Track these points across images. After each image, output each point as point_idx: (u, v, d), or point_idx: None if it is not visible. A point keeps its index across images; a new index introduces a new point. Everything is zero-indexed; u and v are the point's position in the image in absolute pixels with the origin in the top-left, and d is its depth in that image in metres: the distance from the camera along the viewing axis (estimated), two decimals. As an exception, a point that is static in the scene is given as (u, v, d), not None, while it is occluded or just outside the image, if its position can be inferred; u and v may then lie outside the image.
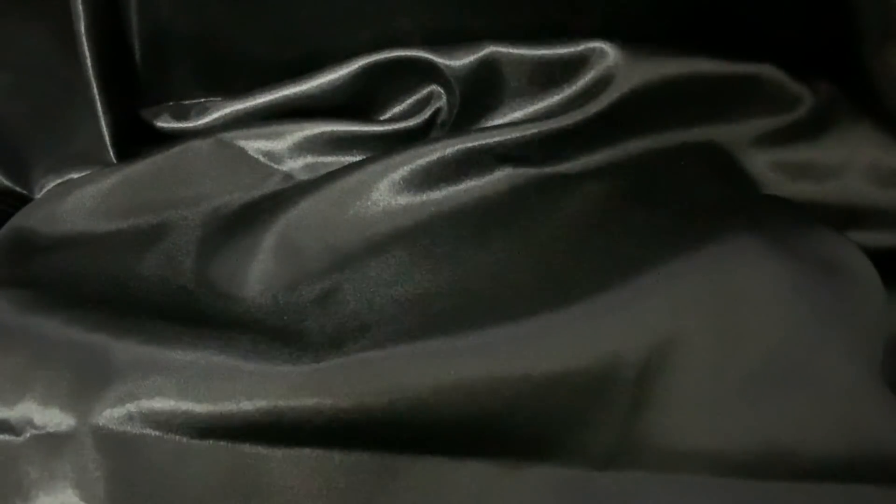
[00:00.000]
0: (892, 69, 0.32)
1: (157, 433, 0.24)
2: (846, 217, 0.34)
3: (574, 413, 0.24)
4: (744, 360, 0.26)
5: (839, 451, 0.25)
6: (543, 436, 0.24)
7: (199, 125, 0.36)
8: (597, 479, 0.25)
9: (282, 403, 0.24)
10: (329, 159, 0.35)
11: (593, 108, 0.35)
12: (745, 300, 0.26)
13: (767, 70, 0.35)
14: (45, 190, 0.35)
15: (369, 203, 0.33)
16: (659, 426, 0.24)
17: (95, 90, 0.34)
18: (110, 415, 0.24)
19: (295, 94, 0.35)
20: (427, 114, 0.36)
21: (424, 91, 0.36)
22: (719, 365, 0.25)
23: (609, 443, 0.24)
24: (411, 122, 0.36)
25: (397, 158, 0.33)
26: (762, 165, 0.35)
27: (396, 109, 0.37)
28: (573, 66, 0.35)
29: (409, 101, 0.37)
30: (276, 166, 0.34)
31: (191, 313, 0.28)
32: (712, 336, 0.26)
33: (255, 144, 0.34)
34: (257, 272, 0.30)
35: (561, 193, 0.33)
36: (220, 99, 0.37)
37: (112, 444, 0.24)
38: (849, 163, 0.35)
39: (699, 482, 0.25)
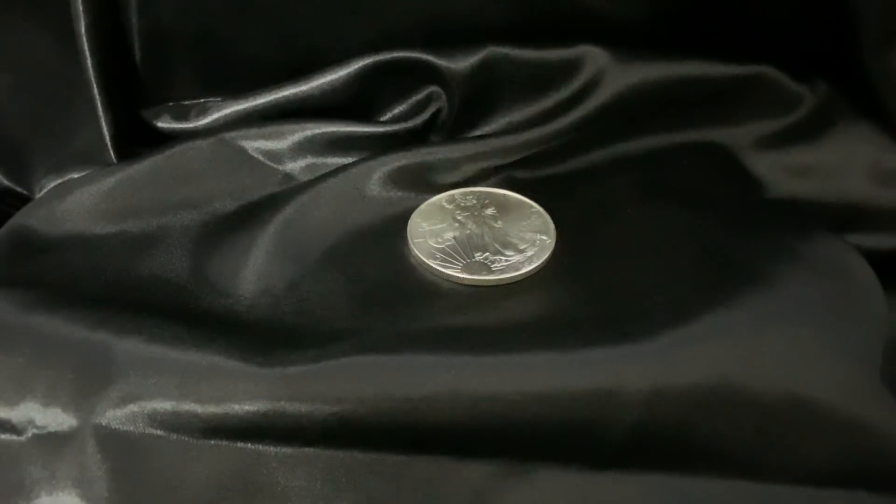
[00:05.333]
0: (893, 69, 0.32)
1: (160, 433, 0.24)
2: (846, 217, 0.34)
3: (578, 413, 0.24)
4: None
5: (840, 455, 0.25)
6: (545, 436, 0.24)
7: (199, 125, 0.36)
8: (599, 479, 0.25)
9: (283, 403, 0.24)
10: (329, 160, 0.35)
11: (581, 111, 0.35)
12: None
13: (767, 70, 0.35)
14: (45, 190, 0.35)
15: (369, 203, 0.33)
16: (663, 426, 0.24)
17: (95, 90, 0.33)
18: (112, 415, 0.24)
19: (295, 94, 0.35)
20: (427, 115, 0.36)
21: (424, 92, 0.36)
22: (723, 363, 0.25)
23: (613, 444, 0.24)
24: (411, 123, 0.36)
25: (395, 158, 0.33)
26: (762, 166, 0.35)
27: (396, 110, 0.37)
28: (569, 69, 0.35)
29: (409, 101, 0.37)
30: (276, 166, 0.34)
31: (191, 313, 0.28)
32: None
33: (255, 144, 0.34)
34: (257, 272, 0.30)
35: (557, 195, 0.33)
36: (220, 99, 0.37)
37: (114, 443, 0.24)
38: (849, 163, 0.35)
39: (700, 483, 0.25)
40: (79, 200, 0.32)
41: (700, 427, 0.25)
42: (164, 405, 0.24)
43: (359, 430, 0.24)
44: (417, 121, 0.36)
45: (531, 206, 0.32)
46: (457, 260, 0.30)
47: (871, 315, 0.27)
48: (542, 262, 0.29)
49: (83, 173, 0.34)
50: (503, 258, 0.30)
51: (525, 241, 0.30)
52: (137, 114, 0.36)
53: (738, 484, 0.25)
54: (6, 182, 0.36)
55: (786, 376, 0.25)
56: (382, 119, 0.37)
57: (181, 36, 0.35)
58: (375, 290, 0.29)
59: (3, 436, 0.24)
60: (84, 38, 0.33)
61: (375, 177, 0.33)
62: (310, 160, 0.35)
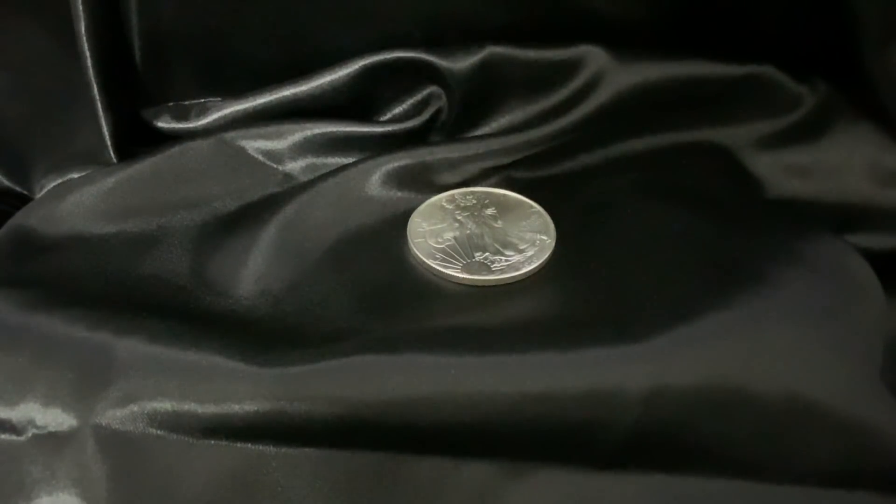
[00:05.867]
0: (893, 69, 0.32)
1: (160, 433, 0.24)
2: (846, 217, 0.34)
3: (578, 413, 0.24)
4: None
5: (840, 455, 0.25)
6: (545, 436, 0.24)
7: (199, 125, 0.36)
8: (599, 479, 0.25)
9: (283, 403, 0.24)
10: (329, 160, 0.35)
11: (581, 111, 0.35)
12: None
13: (767, 70, 0.35)
14: (45, 190, 0.35)
15: (369, 203, 0.33)
16: (663, 426, 0.24)
17: (95, 90, 0.33)
18: (112, 415, 0.24)
19: (295, 94, 0.35)
20: (427, 115, 0.36)
21: (424, 92, 0.36)
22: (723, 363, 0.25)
23: (613, 444, 0.24)
24: (411, 123, 0.36)
25: (395, 158, 0.33)
26: (762, 166, 0.35)
27: (396, 110, 0.37)
28: (569, 69, 0.35)
29: (409, 102, 0.37)
30: (276, 166, 0.34)
31: (191, 313, 0.28)
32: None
33: (255, 144, 0.34)
34: (257, 272, 0.30)
35: (557, 195, 0.33)
36: (220, 99, 0.37)
37: (114, 443, 0.24)
38: (849, 163, 0.35)
39: (700, 483, 0.25)
40: (79, 200, 0.32)
41: (700, 427, 0.25)
42: (164, 405, 0.24)
43: (359, 430, 0.24)
44: (417, 121, 0.36)
45: (531, 206, 0.32)
46: (457, 260, 0.30)
47: (871, 315, 0.27)
48: (542, 262, 0.29)
49: (83, 173, 0.34)
50: (503, 258, 0.30)
51: (525, 241, 0.30)
52: (137, 114, 0.36)
53: (738, 484, 0.25)
54: (6, 182, 0.36)
55: (786, 376, 0.25)
56: (382, 119, 0.37)
57: (181, 36, 0.35)
58: (375, 290, 0.29)
59: (3, 436, 0.24)
60: (84, 39, 0.33)
61: (375, 177, 0.33)
62: (310, 160, 0.35)
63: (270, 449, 0.24)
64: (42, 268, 0.30)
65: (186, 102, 0.37)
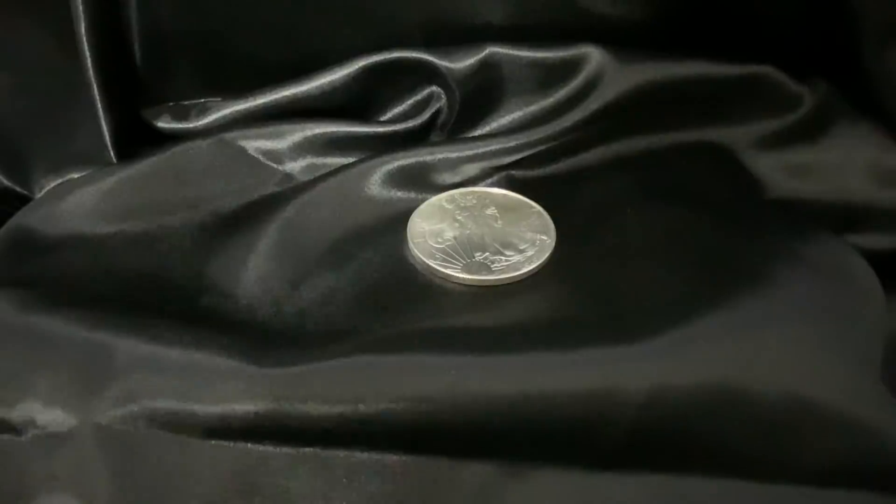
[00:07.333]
0: (893, 69, 0.32)
1: (160, 433, 0.24)
2: (846, 217, 0.34)
3: (578, 413, 0.24)
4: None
5: (840, 455, 0.25)
6: (545, 436, 0.24)
7: (199, 125, 0.36)
8: (599, 479, 0.25)
9: (283, 404, 0.24)
10: (329, 160, 0.35)
11: (581, 111, 0.35)
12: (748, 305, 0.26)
13: (767, 70, 0.35)
14: (45, 190, 0.35)
15: (369, 203, 0.33)
16: (663, 426, 0.24)
17: (95, 90, 0.34)
18: (113, 415, 0.24)
19: (295, 94, 0.35)
20: (427, 115, 0.36)
21: (424, 92, 0.37)
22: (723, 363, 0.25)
23: (613, 444, 0.24)
24: (411, 124, 0.36)
25: (395, 158, 0.33)
26: (762, 167, 0.35)
27: (396, 110, 0.37)
28: (569, 69, 0.35)
29: (409, 102, 0.37)
30: (276, 166, 0.34)
31: (191, 313, 0.28)
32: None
33: (255, 144, 0.34)
34: (257, 273, 0.30)
35: (557, 195, 0.33)
36: (220, 99, 0.37)
37: (114, 443, 0.24)
38: (849, 163, 0.35)
39: (700, 483, 0.25)
40: (79, 200, 0.32)
41: (700, 427, 0.25)
42: (164, 405, 0.24)
43: (359, 430, 0.24)
44: (417, 121, 0.36)
45: (531, 206, 0.32)
46: (457, 260, 0.30)
47: (871, 315, 0.27)
48: (542, 262, 0.29)
49: (83, 173, 0.34)
50: (503, 258, 0.30)
51: (525, 241, 0.30)
52: (137, 114, 0.36)
53: (739, 484, 0.25)
54: (6, 182, 0.36)
55: (786, 376, 0.25)
56: (382, 119, 0.37)
57: (181, 36, 0.35)
58: (375, 291, 0.29)
59: (3, 436, 0.24)
60: (84, 39, 0.33)
61: (375, 177, 0.33)
62: (310, 160, 0.35)
63: (270, 449, 0.24)
64: (42, 268, 0.30)
65: (186, 102, 0.37)
